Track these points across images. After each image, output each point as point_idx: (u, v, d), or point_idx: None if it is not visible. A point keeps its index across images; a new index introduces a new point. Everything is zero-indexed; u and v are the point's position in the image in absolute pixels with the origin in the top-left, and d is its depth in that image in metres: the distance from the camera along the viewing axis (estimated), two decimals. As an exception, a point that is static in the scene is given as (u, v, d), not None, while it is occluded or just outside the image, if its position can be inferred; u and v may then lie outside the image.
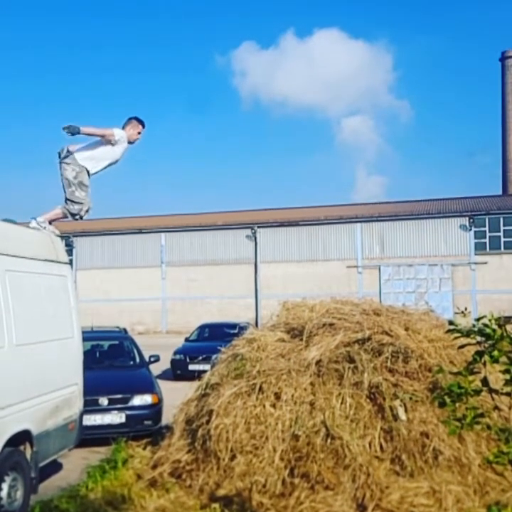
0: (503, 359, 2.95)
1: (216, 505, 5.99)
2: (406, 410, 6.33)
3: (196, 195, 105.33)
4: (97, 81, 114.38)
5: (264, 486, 6.07)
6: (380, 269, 36.23)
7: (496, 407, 3.34)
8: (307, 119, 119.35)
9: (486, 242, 35.19)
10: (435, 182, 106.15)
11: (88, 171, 5.82)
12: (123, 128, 5.93)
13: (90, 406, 8.57)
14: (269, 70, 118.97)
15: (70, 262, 8.32)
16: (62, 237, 8.03)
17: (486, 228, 35.20)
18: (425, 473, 5.93)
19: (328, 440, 6.15)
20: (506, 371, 2.95)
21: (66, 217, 6.12)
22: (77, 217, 5.97)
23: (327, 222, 37.19)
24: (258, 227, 37.93)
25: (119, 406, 9.29)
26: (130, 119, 5.80)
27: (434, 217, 36.05)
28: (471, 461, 5.99)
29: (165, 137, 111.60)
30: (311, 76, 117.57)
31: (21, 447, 6.24)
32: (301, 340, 7.41)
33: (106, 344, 12.04)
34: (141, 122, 5.81)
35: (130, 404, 9.36)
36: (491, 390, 3.02)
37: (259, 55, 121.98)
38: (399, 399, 6.39)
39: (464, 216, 35.49)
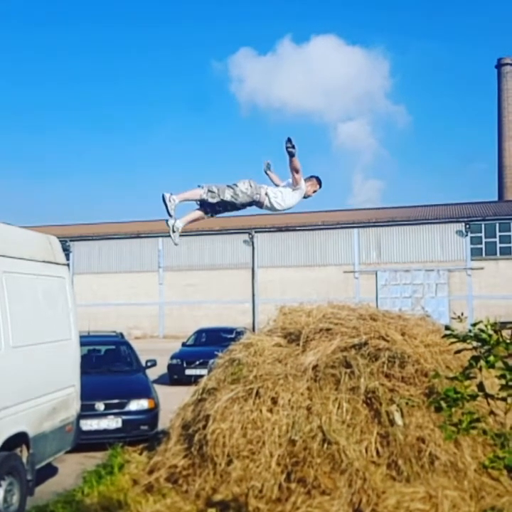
0: (499, 364, 2.96)
1: (212, 511, 5.98)
2: (402, 415, 6.33)
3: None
4: (96, 84, 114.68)
5: (260, 491, 6.06)
6: (376, 275, 36.26)
7: (492, 412, 3.35)
8: (304, 125, 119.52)
9: (482, 248, 35.27)
10: (432, 187, 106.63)
11: (259, 203, 5.67)
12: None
13: (86, 411, 8.54)
14: (267, 75, 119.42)
15: (67, 266, 8.31)
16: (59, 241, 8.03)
17: (482, 234, 35.29)
18: (421, 478, 5.93)
19: (325, 445, 6.15)
20: (502, 376, 2.96)
21: (202, 197, 5.63)
22: (214, 196, 5.58)
23: (324, 228, 37.22)
24: (255, 232, 37.94)
25: (115, 411, 9.27)
26: (312, 176, 5.98)
27: (431, 223, 36.15)
28: (467, 466, 5.99)
29: (163, 142, 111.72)
30: (309, 82, 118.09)
31: (18, 449, 6.22)
32: (298, 345, 7.41)
33: (103, 349, 12.01)
34: (320, 182, 5.98)
35: (126, 409, 9.34)
36: (486, 395, 3.03)
37: (257, 61, 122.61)
38: (395, 404, 6.39)
39: (461, 222, 35.58)
